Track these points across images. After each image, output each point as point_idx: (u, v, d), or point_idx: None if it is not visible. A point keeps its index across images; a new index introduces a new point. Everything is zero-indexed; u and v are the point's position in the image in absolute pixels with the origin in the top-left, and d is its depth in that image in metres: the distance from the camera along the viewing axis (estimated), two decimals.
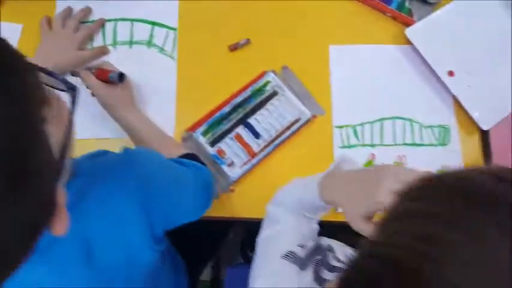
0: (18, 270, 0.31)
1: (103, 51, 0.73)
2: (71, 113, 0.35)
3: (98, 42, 0.75)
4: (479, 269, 0.21)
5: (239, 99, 0.70)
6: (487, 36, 0.73)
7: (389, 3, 0.74)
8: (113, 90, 0.64)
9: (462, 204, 0.24)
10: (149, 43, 0.74)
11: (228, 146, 0.68)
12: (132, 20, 0.75)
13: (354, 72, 0.73)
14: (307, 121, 0.70)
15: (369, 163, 0.69)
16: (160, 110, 0.70)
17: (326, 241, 0.57)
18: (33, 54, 0.71)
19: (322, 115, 0.71)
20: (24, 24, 0.76)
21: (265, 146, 0.69)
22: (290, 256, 0.51)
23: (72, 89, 0.35)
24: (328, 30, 0.75)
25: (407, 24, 0.74)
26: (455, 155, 0.70)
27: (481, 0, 0.74)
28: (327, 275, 0.52)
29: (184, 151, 0.63)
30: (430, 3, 0.75)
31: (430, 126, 0.71)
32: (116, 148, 0.49)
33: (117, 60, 0.71)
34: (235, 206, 0.68)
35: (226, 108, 0.69)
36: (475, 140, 0.71)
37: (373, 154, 0.69)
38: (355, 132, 0.70)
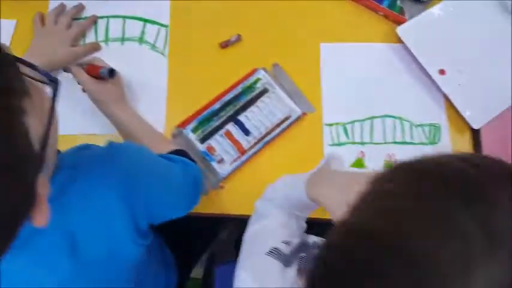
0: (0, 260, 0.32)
1: (95, 47, 0.73)
2: (52, 105, 0.35)
3: (90, 38, 0.75)
4: (446, 241, 0.22)
5: (229, 96, 0.70)
6: (479, 35, 0.73)
7: (381, 2, 0.74)
8: (104, 86, 0.65)
9: (432, 184, 0.24)
10: (141, 40, 0.74)
11: (218, 143, 0.69)
12: (124, 17, 0.75)
13: (345, 70, 0.73)
14: (297, 118, 0.70)
15: (358, 161, 0.69)
16: (151, 106, 0.71)
17: (312, 238, 0.57)
18: (26, 50, 0.72)
19: (313, 113, 0.71)
20: (18, 21, 0.76)
21: (255, 143, 0.69)
22: (274, 252, 0.51)
23: (53, 82, 0.35)
24: (320, 28, 0.75)
25: (399, 22, 0.74)
26: None
27: (472, 0, 0.74)
28: None
29: (173, 147, 0.63)
30: (421, 2, 0.75)
31: (421, 125, 0.71)
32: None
33: (108, 56, 0.71)
34: (225, 202, 0.68)
35: (217, 105, 0.70)
36: (466, 138, 0.71)
37: (362, 152, 0.69)
38: (345, 130, 0.70)
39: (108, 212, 0.42)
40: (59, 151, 0.47)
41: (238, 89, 0.71)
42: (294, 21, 0.75)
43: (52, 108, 0.35)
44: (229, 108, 0.70)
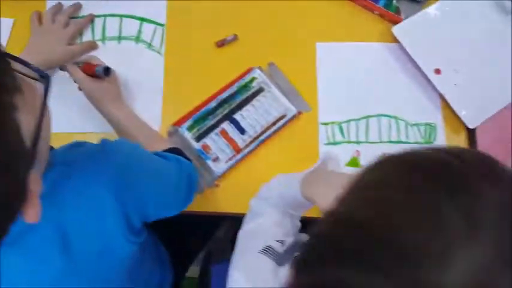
0: None
1: (92, 46, 0.74)
2: (44, 101, 0.35)
3: (87, 37, 0.75)
4: (435, 233, 0.22)
5: (225, 95, 0.70)
6: (474, 35, 0.73)
7: (377, 2, 0.74)
8: (99, 84, 0.65)
9: (422, 177, 0.25)
10: (137, 39, 0.74)
11: (213, 141, 0.69)
12: (121, 16, 0.76)
13: (341, 69, 0.73)
14: (293, 117, 0.70)
15: (354, 160, 0.69)
16: (147, 104, 0.71)
17: (306, 238, 0.57)
18: (23, 49, 0.72)
19: (308, 112, 0.71)
20: (16, 19, 0.77)
21: (251, 142, 0.69)
22: (268, 251, 0.51)
23: (44, 78, 0.36)
24: (316, 28, 0.75)
25: (395, 22, 0.74)
26: None
27: (468, 0, 0.74)
28: None
29: (169, 145, 0.63)
30: (418, 2, 0.75)
31: (416, 124, 0.71)
32: None
33: (105, 55, 0.71)
34: (220, 201, 0.68)
35: (212, 104, 0.70)
36: (462, 138, 0.71)
37: (358, 151, 0.69)
38: (340, 129, 0.71)
39: (100, 209, 0.42)
40: (52, 148, 0.47)
41: (234, 88, 0.71)
42: (290, 21, 0.75)
43: (43, 105, 0.35)
44: (224, 107, 0.70)
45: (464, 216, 0.22)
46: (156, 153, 0.55)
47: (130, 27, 0.75)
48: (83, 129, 0.70)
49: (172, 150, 0.61)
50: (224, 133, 0.69)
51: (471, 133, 0.70)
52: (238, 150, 0.69)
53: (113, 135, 0.67)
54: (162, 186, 0.51)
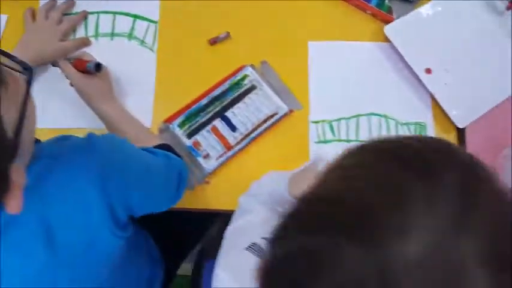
0: None
1: (84, 42, 0.74)
2: (27, 93, 0.35)
3: (80, 34, 0.76)
4: (395, 206, 0.24)
5: (217, 92, 0.71)
6: (466, 35, 0.74)
7: (369, 1, 0.75)
8: (90, 80, 0.65)
9: (390, 159, 0.28)
10: (130, 35, 0.75)
11: (205, 138, 0.69)
12: (114, 13, 0.76)
13: (333, 68, 0.73)
14: (284, 115, 0.71)
15: None
16: (138, 101, 0.71)
17: None
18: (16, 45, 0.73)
19: (299, 110, 0.72)
20: (9, 16, 0.77)
21: (242, 139, 0.69)
22: (253, 248, 0.51)
23: (27, 70, 0.36)
24: (308, 27, 0.75)
25: (387, 22, 0.74)
26: None
27: (460, 0, 0.75)
28: None
29: (159, 142, 0.63)
30: (410, 2, 0.76)
31: (406, 123, 0.71)
32: None
33: (98, 51, 0.72)
34: (210, 198, 0.69)
35: (204, 101, 0.70)
36: (452, 137, 0.71)
37: None
38: (331, 127, 0.71)
39: (85, 202, 0.42)
40: (39, 141, 0.47)
41: (226, 85, 0.71)
42: (283, 19, 0.75)
43: (26, 96, 0.35)
44: (216, 104, 0.70)
45: (426, 194, 0.24)
46: (145, 149, 0.55)
47: (123, 24, 0.75)
48: (75, 125, 0.70)
49: (163, 147, 0.62)
50: (215, 130, 0.69)
51: (461, 132, 0.70)
52: (229, 148, 0.69)
53: (104, 131, 0.68)
54: (149, 181, 0.51)
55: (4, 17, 0.77)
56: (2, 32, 0.76)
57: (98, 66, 0.65)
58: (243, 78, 0.72)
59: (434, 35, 0.74)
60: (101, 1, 0.77)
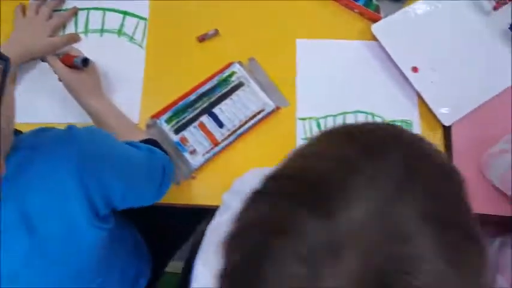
0: None
1: (74, 38, 0.74)
2: (2, 82, 0.36)
3: (70, 30, 0.76)
4: (344, 176, 0.26)
5: (204, 88, 0.71)
6: (452, 34, 0.74)
7: (357, 0, 0.75)
8: (78, 75, 0.66)
9: (344, 139, 0.30)
10: (120, 32, 0.75)
11: (192, 134, 0.69)
12: (104, 10, 0.77)
13: (320, 66, 0.74)
14: (271, 112, 0.71)
15: None
16: (127, 97, 0.72)
17: None
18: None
19: (286, 107, 0.72)
20: None
21: (228, 135, 0.70)
22: None
23: (3, 60, 0.36)
24: (296, 25, 0.76)
25: (374, 20, 0.75)
26: None
27: (448, 0, 0.75)
28: None
29: (145, 137, 0.64)
30: (397, 1, 0.76)
31: (393, 121, 0.72)
32: None
33: (87, 47, 0.72)
34: (196, 193, 0.69)
35: (191, 97, 0.71)
36: (438, 135, 0.71)
37: None
38: (318, 124, 0.71)
39: (63, 192, 0.43)
40: (20, 133, 0.48)
41: (214, 82, 0.72)
42: (271, 17, 0.76)
43: (2, 85, 0.35)
44: (204, 100, 0.71)
45: (370, 168, 0.27)
46: (128, 143, 0.55)
47: (113, 20, 0.76)
48: (64, 120, 0.71)
49: (149, 142, 0.62)
50: (202, 126, 0.70)
51: (447, 130, 0.71)
52: (215, 144, 0.69)
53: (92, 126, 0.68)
54: (131, 174, 0.51)
55: None
56: None
57: (85, 61, 0.65)
58: (230, 75, 0.72)
59: (422, 34, 0.74)
60: None
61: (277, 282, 0.24)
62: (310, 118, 0.71)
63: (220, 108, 0.71)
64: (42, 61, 0.71)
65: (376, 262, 0.23)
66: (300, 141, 0.70)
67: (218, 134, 0.70)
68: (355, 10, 0.76)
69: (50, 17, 0.75)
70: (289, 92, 0.73)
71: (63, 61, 0.66)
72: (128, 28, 0.75)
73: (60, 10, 0.77)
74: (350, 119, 0.71)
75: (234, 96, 0.71)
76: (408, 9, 0.75)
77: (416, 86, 0.71)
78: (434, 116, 0.71)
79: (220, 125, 0.70)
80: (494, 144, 0.67)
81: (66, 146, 0.43)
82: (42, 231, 0.43)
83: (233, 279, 0.27)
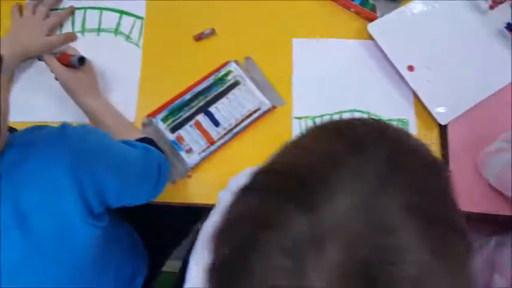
0: None
1: (71, 37, 0.75)
2: None
3: (67, 29, 0.76)
4: (329, 170, 0.27)
5: (200, 87, 0.71)
6: (448, 33, 0.74)
7: None
8: (74, 74, 0.66)
9: (332, 134, 0.30)
10: (116, 31, 0.75)
11: (188, 133, 0.69)
12: (101, 9, 0.77)
13: (316, 65, 0.74)
14: (267, 111, 0.71)
15: None
16: (123, 95, 0.72)
17: None
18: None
19: (282, 106, 0.72)
20: None
21: (224, 134, 0.70)
22: None
23: None
24: (292, 24, 0.76)
25: (371, 19, 0.75)
26: None
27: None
28: None
29: (141, 136, 0.64)
30: (394, 0, 0.76)
31: (389, 120, 0.71)
32: None
33: (84, 47, 0.73)
34: (192, 192, 0.69)
35: (188, 96, 0.71)
36: (433, 134, 0.71)
37: None
38: (314, 123, 0.71)
39: (57, 190, 0.43)
40: (15, 130, 0.48)
41: (210, 81, 0.72)
42: (268, 16, 0.76)
43: None
44: (200, 99, 0.71)
45: (355, 162, 0.27)
46: (124, 141, 0.55)
47: (110, 19, 0.76)
48: (60, 119, 0.71)
49: (145, 140, 0.62)
50: (198, 125, 0.70)
51: (443, 129, 0.71)
52: (212, 142, 0.69)
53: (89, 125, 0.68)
54: (125, 172, 0.51)
55: None
56: None
57: (82, 60, 0.65)
58: (227, 74, 0.72)
59: (418, 33, 0.74)
60: None
61: (263, 275, 0.24)
62: (306, 117, 0.71)
63: (216, 107, 0.71)
64: (39, 60, 0.71)
65: (360, 254, 0.23)
66: None
67: (214, 132, 0.70)
68: (352, 9, 0.76)
69: (47, 16, 0.75)
70: (285, 91, 0.73)
71: (59, 60, 0.67)
72: (125, 27, 0.76)
73: (57, 9, 0.77)
74: None
75: (230, 95, 0.71)
76: (404, 8, 0.75)
77: (412, 85, 0.71)
78: (431, 115, 0.71)
79: (216, 123, 0.70)
80: (490, 143, 0.67)
81: (60, 143, 0.43)
82: (36, 228, 0.43)
83: (221, 272, 0.27)
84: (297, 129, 0.71)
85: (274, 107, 0.71)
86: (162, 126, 0.69)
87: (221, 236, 0.28)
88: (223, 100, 0.71)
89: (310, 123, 0.71)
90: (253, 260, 0.25)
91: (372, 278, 0.22)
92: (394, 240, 0.23)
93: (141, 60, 0.74)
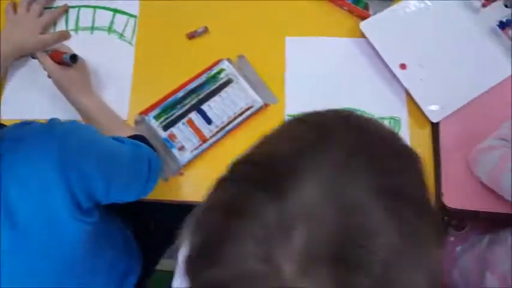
0: None
1: (64, 35, 0.75)
2: None
3: (60, 27, 0.77)
4: (295, 156, 0.28)
5: (193, 85, 0.71)
6: (441, 32, 0.74)
7: None
8: (67, 72, 0.66)
9: (301, 124, 0.32)
10: (109, 29, 0.76)
11: (180, 131, 0.70)
12: (94, 7, 0.77)
13: (309, 63, 0.74)
14: (259, 109, 0.71)
15: None
16: (116, 93, 0.72)
17: None
18: None
19: (275, 103, 0.72)
20: None
21: (217, 132, 0.70)
22: None
23: None
24: (285, 22, 0.76)
25: (363, 18, 0.75)
26: None
27: None
28: None
29: (133, 133, 0.64)
30: None
31: (381, 118, 0.72)
32: None
33: (78, 45, 0.73)
34: (184, 189, 0.69)
35: (180, 94, 0.71)
36: (425, 132, 0.71)
37: None
38: None
39: (45, 184, 0.43)
40: (3, 126, 0.48)
41: (202, 79, 0.72)
42: (261, 14, 0.76)
43: None
44: (192, 97, 0.71)
45: (320, 148, 0.28)
46: (112, 137, 0.55)
47: (103, 18, 0.76)
48: (54, 116, 0.71)
49: (137, 137, 0.62)
50: (191, 123, 0.70)
51: (435, 127, 0.71)
52: (204, 140, 0.69)
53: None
54: (114, 168, 0.51)
55: None
56: None
57: (74, 58, 0.66)
58: (219, 72, 0.72)
59: (410, 32, 0.74)
60: None
61: (236, 263, 0.24)
62: (298, 115, 0.71)
63: (208, 105, 0.71)
64: (33, 58, 0.72)
65: (329, 237, 0.23)
66: None
67: (206, 130, 0.70)
68: (345, 8, 0.76)
69: (41, 14, 0.75)
70: (278, 89, 0.73)
71: (52, 57, 0.67)
72: (118, 25, 0.76)
73: (51, 7, 0.77)
74: None
75: (222, 93, 0.72)
76: (397, 6, 0.76)
77: (404, 83, 0.71)
78: (423, 113, 0.71)
79: (209, 121, 0.70)
80: (482, 141, 0.67)
81: (48, 139, 0.44)
82: (24, 223, 0.43)
83: (196, 261, 0.27)
84: None
85: (266, 105, 0.72)
86: (155, 124, 0.69)
87: (196, 225, 0.29)
88: (216, 98, 0.71)
89: None
90: (225, 248, 0.25)
91: (342, 260, 0.23)
92: (362, 223, 0.24)
93: (134, 58, 0.74)
